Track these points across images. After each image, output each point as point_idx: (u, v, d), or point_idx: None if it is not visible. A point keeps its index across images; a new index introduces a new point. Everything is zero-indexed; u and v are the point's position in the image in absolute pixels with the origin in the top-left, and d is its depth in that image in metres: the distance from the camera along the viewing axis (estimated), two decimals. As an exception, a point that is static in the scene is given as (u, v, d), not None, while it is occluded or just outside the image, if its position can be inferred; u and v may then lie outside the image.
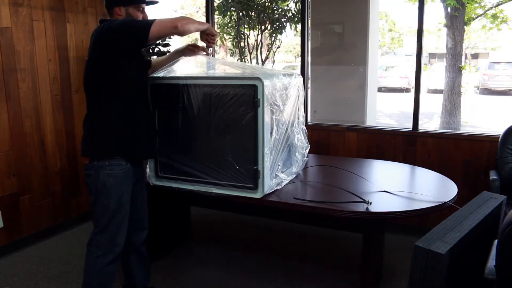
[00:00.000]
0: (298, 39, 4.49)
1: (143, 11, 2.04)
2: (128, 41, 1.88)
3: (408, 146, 3.30)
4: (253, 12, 5.80)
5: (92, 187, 1.98)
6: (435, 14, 10.78)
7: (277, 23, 5.81)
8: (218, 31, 5.88)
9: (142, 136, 2.03)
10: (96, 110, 1.99)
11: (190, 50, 2.22)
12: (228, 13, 5.84)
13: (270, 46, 6.19)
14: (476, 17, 7.69)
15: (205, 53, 2.22)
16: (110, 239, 2.03)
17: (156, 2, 2.44)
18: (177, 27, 1.86)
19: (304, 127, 2.51)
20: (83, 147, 2.03)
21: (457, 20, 7.09)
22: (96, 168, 1.95)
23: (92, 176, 1.96)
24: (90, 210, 2.07)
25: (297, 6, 5.67)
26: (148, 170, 2.32)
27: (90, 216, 2.13)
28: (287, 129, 2.24)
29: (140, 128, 2.02)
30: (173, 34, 1.94)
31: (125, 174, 1.99)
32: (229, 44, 6.22)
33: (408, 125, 3.41)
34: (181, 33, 1.93)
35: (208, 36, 2.09)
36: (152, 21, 1.85)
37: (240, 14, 5.72)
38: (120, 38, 1.87)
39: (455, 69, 7.19)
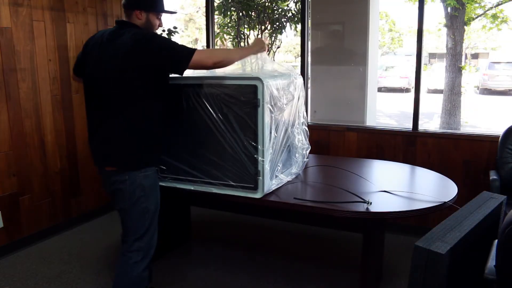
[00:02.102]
0: (298, 39, 4.49)
1: (160, 19, 2.04)
2: (168, 69, 1.92)
3: (408, 146, 3.30)
4: (253, 12, 5.80)
5: (127, 193, 1.92)
6: (435, 14, 10.79)
7: (277, 23, 5.81)
8: (218, 31, 5.88)
9: (163, 144, 2.08)
10: (128, 119, 1.89)
11: None
12: (228, 13, 5.84)
13: (270, 46, 6.19)
14: (476, 17, 7.69)
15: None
16: (148, 242, 2.01)
17: (175, 12, 2.48)
18: (211, 67, 1.92)
19: (306, 128, 2.51)
20: (115, 158, 1.93)
21: (457, 20, 7.09)
22: (131, 173, 1.90)
23: (127, 181, 1.90)
24: (123, 217, 2.00)
25: (297, 6, 5.67)
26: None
27: (122, 223, 2.03)
28: (287, 129, 2.24)
29: (164, 137, 2.07)
30: (211, 69, 1.98)
31: (156, 172, 2.03)
32: (229, 44, 6.22)
33: (408, 125, 3.41)
34: (223, 67, 1.98)
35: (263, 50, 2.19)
36: (194, 50, 1.85)
37: (240, 14, 5.72)
38: (160, 64, 1.87)
39: (455, 69, 7.20)
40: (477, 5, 7.51)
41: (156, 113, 1.94)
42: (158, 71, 1.89)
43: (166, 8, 2.05)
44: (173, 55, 1.84)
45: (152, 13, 1.98)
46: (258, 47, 2.15)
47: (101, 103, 1.93)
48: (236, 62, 2.05)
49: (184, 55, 1.83)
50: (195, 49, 1.85)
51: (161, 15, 2.04)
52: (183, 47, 1.86)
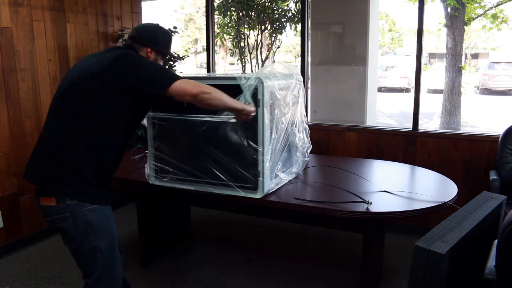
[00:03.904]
0: (298, 39, 4.49)
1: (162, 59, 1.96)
2: (144, 88, 1.68)
3: (408, 146, 3.30)
4: (253, 12, 5.80)
5: (72, 231, 1.66)
6: (435, 14, 10.81)
7: (277, 23, 5.81)
8: (218, 31, 5.89)
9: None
10: (89, 142, 1.65)
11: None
12: (228, 13, 5.84)
13: (270, 46, 6.19)
14: (476, 17, 7.70)
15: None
16: (111, 279, 1.76)
17: (173, 56, 2.42)
18: (196, 95, 1.66)
19: (307, 126, 2.51)
20: (53, 183, 1.64)
21: (457, 20, 7.10)
22: (72, 207, 1.63)
23: (68, 218, 1.63)
24: (74, 257, 1.75)
25: (297, 6, 5.67)
26: (148, 170, 2.31)
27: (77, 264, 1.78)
28: (287, 128, 2.24)
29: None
30: (191, 101, 1.71)
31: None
32: (229, 44, 6.22)
33: (408, 125, 3.41)
34: (199, 104, 1.73)
35: (245, 116, 1.91)
36: (177, 77, 1.67)
37: (240, 14, 5.72)
38: (136, 82, 1.66)
39: (455, 69, 7.20)
40: (477, 5, 7.51)
41: (115, 142, 1.72)
42: (131, 90, 1.67)
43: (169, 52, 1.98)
44: (154, 75, 1.66)
45: (161, 55, 1.91)
46: (248, 108, 1.90)
47: (52, 113, 1.72)
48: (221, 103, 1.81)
49: (167, 77, 1.66)
50: (180, 77, 1.69)
51: (165, 58, 1.99)
52: (169, 71, 1.73)
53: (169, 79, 1.64)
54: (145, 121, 2.27)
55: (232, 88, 2.01)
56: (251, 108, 1.92)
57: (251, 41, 5.98)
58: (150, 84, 1.66)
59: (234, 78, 2.09)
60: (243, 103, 1.92)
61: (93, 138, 1.64)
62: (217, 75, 2.29)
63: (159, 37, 1.88)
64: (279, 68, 2.28)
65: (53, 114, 1.69)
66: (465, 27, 7.36)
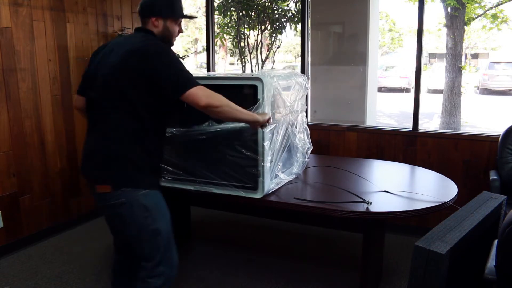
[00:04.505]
0: (298, 39, 4.49)
1: (180, 25, 1.87)
2: (162, 90, 1.67)
3: (408, 146, 3.30)
4: (253, 12, 5.80)
5: (130, 216, 1.71)
6: (435, 14, 10.80)
7: (277, 23, 5.80)
8: (218, 31, 5.88)
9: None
10: (135, 132, 1.70)
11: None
12: (228, 13, 5.84)
13: (270, 46, 6.19)
14: (476, 17, 7.70)
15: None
16: (169, 264, 1.81)
17: (195, 17, 2.40)
18: (204, 107, 1.65)
19: (307, 127, 2.51)
20: (112, 175, 1.70)
21: (457, 20, 7.10)
22: (126, 193, 1.69)
23: (125, 204, 1.68)
24: (134, 243, 1.77)
25: (297, 6, 5.67)
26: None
27: (135, 250, 1.80)
28: (287, 129, 2.24)
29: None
30: (202, 110, 1.70)
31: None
32: (229, 44, 6.22)
33: (408, 125, 3.41)
34: (210, 115, 1.76)
35: (259, 125, 1.90)
36: (193, 83, 1.64)
37: (240, 14, 5.72)
38: (155, 82, 1.66)
39: (455, 69, 7.20)
40: (477, 5, 7.51)
41: (159, 127, 1.77)
42: (152, 89, 1.68)
43: (185, 13, 1.87)
44: (172, 77, 1.64)
45: (171, 19, 1.80)
46: (261, 119, 1.88)
47: (95, 108, 1.78)
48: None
49: (183, 82, 1.64)
50: (197, 83, 1.66)
51: (180, 21, 1.86)
52: (188, 75, 1.66)
53: (184, 85, 1.63)
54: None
55: (233, 88, 2.01)
56: (265, 117, 1.89)
57: (251, 41, 5.98)
58: (166, 88, 1.66)
59: (234, 78, 2.09)
60: (255, 113, 1.89)
61: (139, 128, 1.69)
62: (217, 75, 2.29)
63: (158, 2, 1.79)
64: (280, 69, 2.28)
65: (97, 107, 1.74)
66: (465, 27, 7.36)
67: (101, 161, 1.70)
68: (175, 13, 1.82)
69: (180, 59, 1.73)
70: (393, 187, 2.22)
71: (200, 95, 1.63)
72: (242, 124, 2.01)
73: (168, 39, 1.83)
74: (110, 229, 1.90)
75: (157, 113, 1.74)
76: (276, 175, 2.18)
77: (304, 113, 2.49)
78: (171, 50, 1.75)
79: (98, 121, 1.74)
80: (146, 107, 1.68)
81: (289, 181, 2.31)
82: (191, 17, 2.09)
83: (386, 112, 11.41)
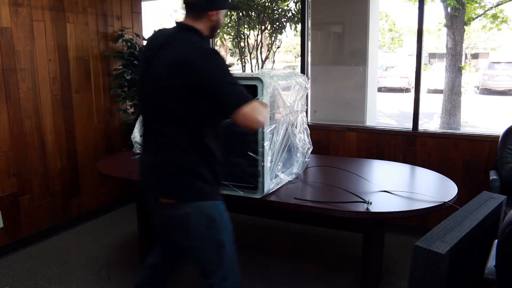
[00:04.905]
0: (298, 39, 4.49)
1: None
2: (212, 106, 1.57)
3: (408, 146, 3.30)
4: (253, 12, 5.80)
5: (195, 227, 1.63)
6: (435, 14, 10.79)
7: (277, 23, 5.80)
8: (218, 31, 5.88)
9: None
10: (196, 146, 1.61)
11: None
12: (228, 13, 5.84)
13: (270, 46, 6.19)
14: (476, 17, 7.69)
15: None
16: (235, 280, 1.73)
17: (240, 8, 2.23)
18: (257, 128, 1.65)
19: (307, 127, 2.51)
20: (176, 188, 1.62)
21: (457, 20, 7.09)
22: (192, 204, 1.63)
23: (190, 214, 1.61)
24: (197, 255, 1.70)
25: (297, 6, 5.67)
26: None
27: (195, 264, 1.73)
28: (287, 129, 2.24)
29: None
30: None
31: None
32: (229, 44, 6.22)
33: (408, 125, 3.41)
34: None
35: None
36: (247, 99, 1.50)
37: (240, 14, 5.72)
38: (202, 95, 1.53)
39: (455, 69, 7.20)
40: (477, 5, 7.50)
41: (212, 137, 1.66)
42: (202, 102, 1.55)
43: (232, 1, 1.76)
44: (221, 96, 1.51)
45: (223, 10, 1.70)
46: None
47: (148, 120, 1.68)
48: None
49: (233, 100, 1.50)
50: (249, 98, 1.51)
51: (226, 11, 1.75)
52: (237, 91, 1.52)
53: (234, 104, 1.49)
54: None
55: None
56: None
57: (251, 41, 5.98)
58: (214, 105, 1.55)
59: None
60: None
61: (195, 140, 1.60)
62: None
63: None
64: (280, 69, 2.28)
65: (149, 120, 1.66)
66: (465, 27, 7.36)
67: (164, 174, 1.62)
68: (227, 3, 1.72)
69: (228, 66, 1.58)
70: (393, 187, 2.22)
71: (251, 117, 1.48)
72: None
73: (216, 31, 1.72)
74: (163, 240, 1.84)
75: (211, 123, 1.65)
76: (276, 175, 2.18)
77: (304, 113, 2.48)
78: (220, 57, 1.56)
79: (153, 133, 1.66)
80: (197, 119, 1.58)
81: (289, 181, 2.31)
82: (237, 8, 1.97)
83: (386, 112, 11.41)
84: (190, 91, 1.52)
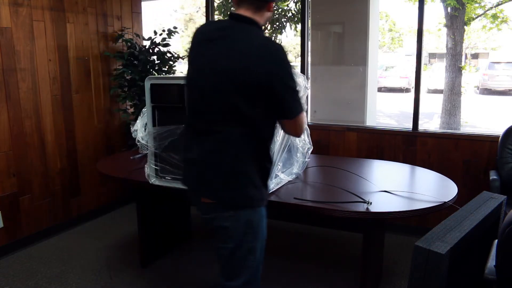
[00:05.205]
0: (298, 39, 4.49)
1: None
2: (275, 111, 1.52)
3: (408, 146, 3.30)
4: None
5: (234, 230, 1.59)
6: (435, 14, 10.79)
7: (277, 23, 5.81)
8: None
9: None
10: (253, 148, 1.54)
11: None
12: (228, 13, 5.85)
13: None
14: (476, 17, 7.70)
15: None
16: (257, 284, 1.71)
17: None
18: (301, 135, 1.66)
19: (307, 127, 2.50)
20: (225, 193, 1.55)
21: (457, 20, 7.10)
22: (235, 210, 1.58)
23: (233, 217, 1.57)
24: (227, 258, 1.66)
25: (297, 6, 5.67)
26: (148, 170, 2.31)
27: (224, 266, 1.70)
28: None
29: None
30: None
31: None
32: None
33: (408, 125, 3.41)
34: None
35: None
36: (303, 105, 1.54)
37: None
38: (271, 95, 1.47)
39: (455, 69, 7.20)
40: (477, 5, 7.51)
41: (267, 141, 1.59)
42: (266, 101, 1.49)
43: None
44: (289, 97, 1.49)
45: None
46: None
47: (201, 118, 1.56)
48: None
49: (296, 106, 1.51)
50: (303, 107, 1.55)
51: None
52: (299, 95, 1.53)
53: (295, 109, 1.51)
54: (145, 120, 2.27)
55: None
56: None
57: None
58: (278, 106, 1.51)
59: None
60: None
61: (255, 142, 1.53)
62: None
63: None
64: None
65: (205, 118, 1.54)
66: (465, 27, 7.36)
67: (215, 176, 1.54)
68: None
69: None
70: (393, 187, 2.22)
71: (302, 125, 1.54)
72: None
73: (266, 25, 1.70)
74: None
75: (270, 125, 1.59)
76: (276, 175, 2.18)
77: (304, 113, 2.48)
78: (288, 57, 1.51)
79: (208, 132, 1.53)
80: (260, 119, 1.51)
81: (289, 181, 2.31)
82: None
83: (386, 112, 11.41)
84: (259, 89, 1.45)
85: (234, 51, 1.46)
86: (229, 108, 1.47)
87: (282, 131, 1.63)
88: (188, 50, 1.63)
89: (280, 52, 1.46)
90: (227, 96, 1.46)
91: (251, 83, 1.43)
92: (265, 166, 1.60)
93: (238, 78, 1.44)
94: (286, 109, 1.50)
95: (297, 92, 1.51)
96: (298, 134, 1.62)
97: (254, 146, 1.53)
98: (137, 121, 2.62)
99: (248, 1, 1.51)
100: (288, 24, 5.75)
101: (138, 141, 2.52)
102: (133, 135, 2.60)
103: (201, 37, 1.58)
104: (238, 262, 1.63)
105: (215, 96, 1.49)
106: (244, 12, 1.51)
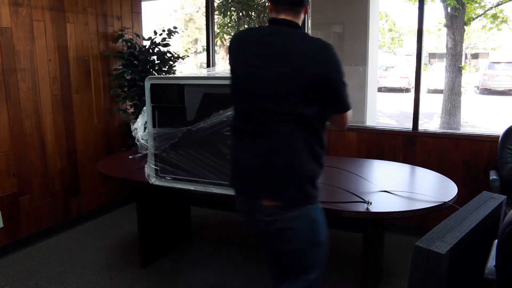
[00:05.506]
0: (298, 39, 4.48)
1: None
2: (329, 106, 1.58)
3: (408, 146, 3.30)
4: (253, 12, 5.80)
5: (299, 230, 1.61)
6: (435, 14, 10.79)
7: (277, 23, 5.81)
8: (218, 31, 5.89)
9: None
10: (310, 146, 1.57)
11: None
12: (228, 13, 5.85)
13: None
14: (476, 17, 7.70)
15: None
16: (320, 280, 1.76)
17: None
18: (346, 128, 1.75)
19: None
20: (288, 192, 1.56)
21: (457, 20, 7.10)
22: (299, 208, 1.59)
23: (298, 217, 1.58)
24: (293, 258, 1.68)
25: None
26: (148, 170, 2.31)
27: (289, 269, 1.72)
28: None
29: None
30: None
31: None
32: (229, 44, 6.22)
33: (408, 125, 3.41)
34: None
35: None
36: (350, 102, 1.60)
37: (240, 14, 5.72)
38: (326, 92, 1.52)
39: (455, 69, 7.20)
40: (477, 5, 7.51)
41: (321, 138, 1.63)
42: (322, 98, 1.53)
43: None
44: (342, 94, 1.55)
45: None
46: None
47: (255, 118, 1.56)
48: None
49: (347, 102, 1.58)
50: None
51: None
52: (348, 92, 1.58)
53: (347, 105, 1.59)
54: (145, 120, 2.27)
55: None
56: None
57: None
58: (332, 102, 1.56)
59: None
60: None
61: (311, 140, 1.57)
62: (217, 75, 2.28)
63: None
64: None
65: (260, 118, 1.54)
66: (465, 27, 7.36)
67: (276, 176, 1.55)
68: None
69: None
70: (393, 187, 2.22)
71: (348, 120, 1.62)
72: None
73: None
74: (268, 247, 1.78)
75: (323, 121, 1.63)
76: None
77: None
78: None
79: (264, 134, 1.54)
80: (316, 116, 1.54)
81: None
82: None
83: (386, 112, 11.41)
84: (317, 87, 1.49)
85: (289, 53, 1.50)
86: (288, 109, 1.50)
87: (329, 124, 1.68)
88: (232, 56, 1.65)
89: (332, 49, 1.51)
90: (286, 97, 1.49)
91: (310, 83, 1.48)
92: (320, 163, 1.62)
93: (297, 79, 1.48)
94: (340, 104, 1.57)
95: (347, 88, 1.56)
96: (345, 128, 1.71)
97: (311, 143, 1.56)
98: (138, 119, 2.60)
99: (287, 8, 1.56)
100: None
101: (138, 140, 2.51)
102: (133, 133, 2.59)
103: (247, 42, 1.61)
104: (307, 260, 1.67)
105: (273, 98, 1.51)
106: (286, 17, 1.57)
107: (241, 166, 1.63)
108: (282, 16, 1.57)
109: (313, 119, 1.54)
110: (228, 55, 1.69)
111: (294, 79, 1.48)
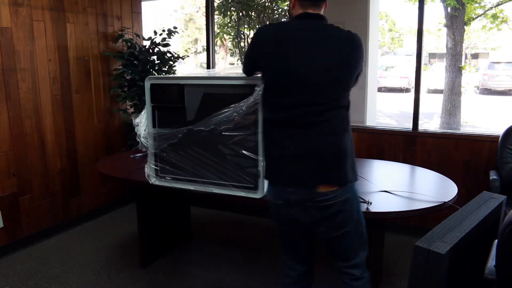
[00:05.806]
0: (298, 39, 4.47)
1: None
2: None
3: (408, 146, 3.30)
4: (253, 12, 5.80)
5: (352, 210, 1.68)
6: (435, 14, 10.80)
7: (277, 23, 5.81)
8: (218, 31, 5.89)
9: None
10: (347, 127, 1.75)
11: None
12: (228, 13, 5.84)
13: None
14: (476, 17, 7.70)
15: None
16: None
17: None
18: None
19: None
20: (347, 173, 1.64)
21: (457, 20, 7.10)
22: (350, 187, 1.66)
23: (350, 199, 1.65)
24: (348, 238, 1.72)
25: (297, 6, 5.67)
26: (148, 170, 2.31)
27: (337, 249, 1.79)
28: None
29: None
30: None
31: None
32: (229, 44, 6.23)
33: (408, 125, 3.41)
34: None
35: None
36: None
37: (240, 14, 5.72)
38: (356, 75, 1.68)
39: (455, 69, 7.20)
40: (477, 5, 7.51)
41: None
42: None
43: None
44: (360, 73, 1.71)
45: None
46: None
47: (299, 109, 1.61)
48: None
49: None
50: None
51: None
52: None
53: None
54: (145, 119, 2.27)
55: (232, 87, 2.01)
56: None
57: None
58: (354, 81, 1.71)
59: (233, 78, 2.09)
60: None
61: (348, 120, 1.74)
62: (217, 75, 2.28)
63: None
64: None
65: (304, 108, 1.60)
66: (465, 27, 7.37)
67: (331, 160, 1.63)
68: None
69: None
70: (393, 187, 2.22)
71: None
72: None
73: None
74: (311, 234, 1.85)
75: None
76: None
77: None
78: None
79: (309, 124, 1.61)
80: (347, 98, 1.71)
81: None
82: None
83: (386, 112, 11.41)
84: (354, 73, 1.65)
85: (334, 46, 1.60)
86: (332, 97, 1.62)
87: None
88: (263, 51, 1.65)
89: (359, 39, 1.65)
90: (331, 87, 1.60)
91: (355, 71, 1.63)
92: (352, 141, 1.78)
93: (339, 68, 1.59)
94: (355, 84, 1.72)
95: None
96: None
97: (348, 123, 1.73)
98: (142, 112, 2.52)
99: (313, 3, 1.65)
100: (288, 24, 5.75)
101: (139, 136, 2.48)
102: (135, 129, 2.55)
103: (286, 37, 1.62)
104: (358, 238, 1.74)
105: (318, 89, 1.59)
106: (313, 11, 1.66)
107: (289, 158, 1.65)
108: (310, 11, 1.65)
109: (348, 100, 1.70)
110: (252, 50, 1.72)
111: (343, 69, 1.60)
